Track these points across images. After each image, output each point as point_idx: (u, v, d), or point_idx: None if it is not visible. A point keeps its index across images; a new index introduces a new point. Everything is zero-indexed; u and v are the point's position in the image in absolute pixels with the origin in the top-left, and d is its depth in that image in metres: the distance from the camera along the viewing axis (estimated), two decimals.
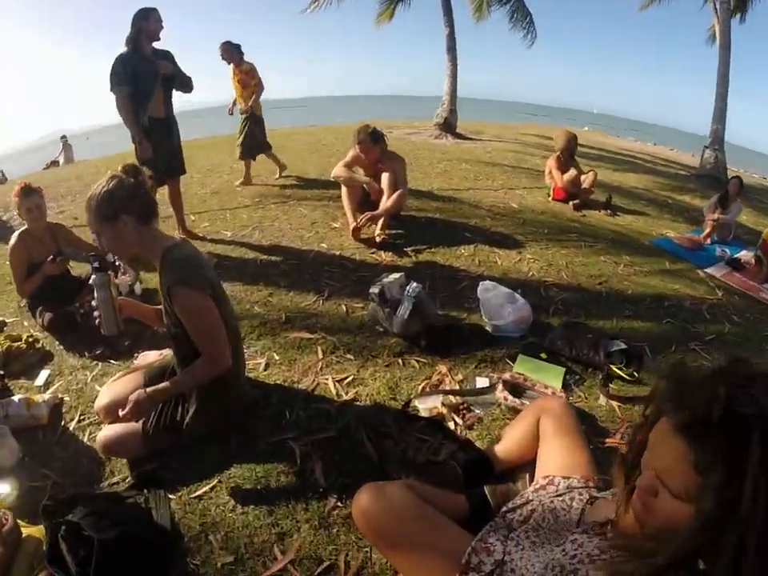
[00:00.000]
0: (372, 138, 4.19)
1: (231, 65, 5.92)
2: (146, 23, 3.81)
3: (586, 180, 5.92)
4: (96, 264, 1.94)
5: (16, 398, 2.47)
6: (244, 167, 6.30)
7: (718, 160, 10.04)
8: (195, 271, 1.91)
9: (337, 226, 4.55)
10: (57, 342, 3.11)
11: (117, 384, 2.29)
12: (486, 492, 1.68)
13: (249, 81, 5.93)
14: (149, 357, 2.66)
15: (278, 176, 6.53)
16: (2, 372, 2.72)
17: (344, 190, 4.36)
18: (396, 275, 3.00)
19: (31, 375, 2.81)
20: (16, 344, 2.97)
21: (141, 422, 2.06)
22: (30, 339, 3.05)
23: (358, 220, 4.12)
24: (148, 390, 1.89)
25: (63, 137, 14.01)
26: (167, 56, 4.04)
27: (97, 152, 14.99)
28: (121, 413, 1.84)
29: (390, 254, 3.97)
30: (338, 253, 3.98)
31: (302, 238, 4.34)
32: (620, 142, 15.73)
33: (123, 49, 3.83)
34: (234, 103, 6.26)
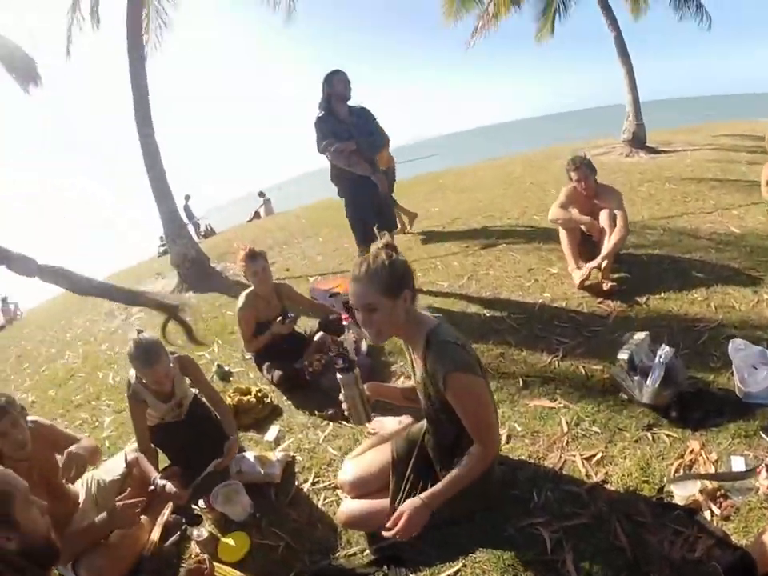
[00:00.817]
0: (588, 167, 4.08)
1: None
2: (332, 86, 4.16)
3: None
4: (343, 364, 1.94)
5: (250, 455, 2.61)
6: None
7: None
8: (467, 354, 1.83)
9: (555, 271, 4.44)
10: (284, 398, 3.28)
11: (363, 459, 2.27)
12: None
13: None
14: (385, 423, 2.67)
15: (408, 228, 6.69)
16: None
17: (562, 232, 4.21)
18: (640, 335, 2.87)
19: (261, 429, 2.98)
20: (246, 398, 3.18)
21: (388, 498, 2.05)
22: (260, 394, 3.25)
23: (582, 272, 3.93)
24: (423, 497, 1.81)
25: (261, 193, 15.88)
26: (362, 114, 4.35)
27: (292, 202, 16.82)
28: (398, 531, 1.76)
29: (619, 302, 3.70)
30: (563, 304, 3.86)
31: (521, 287, 4.31)
32: None
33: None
34: None
